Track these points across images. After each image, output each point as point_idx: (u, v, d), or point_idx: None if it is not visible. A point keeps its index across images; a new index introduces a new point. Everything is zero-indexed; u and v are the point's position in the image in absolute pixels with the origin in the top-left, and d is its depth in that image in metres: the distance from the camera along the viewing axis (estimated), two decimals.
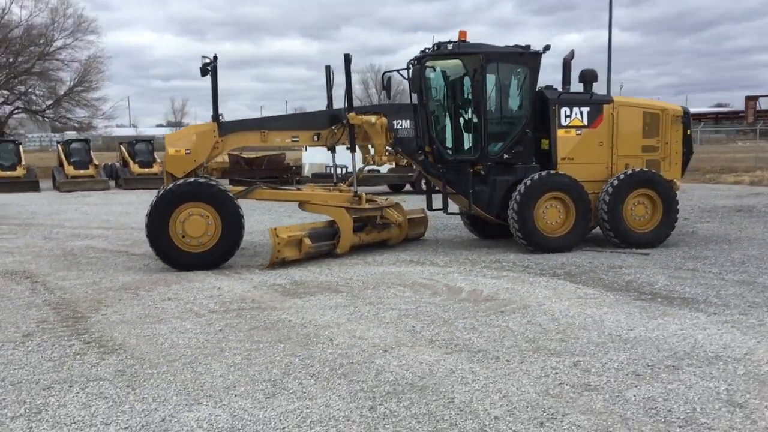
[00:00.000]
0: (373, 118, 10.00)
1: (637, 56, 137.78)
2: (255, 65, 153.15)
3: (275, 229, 9.20)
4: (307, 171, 27.97)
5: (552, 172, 10.00)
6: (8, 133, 40.50)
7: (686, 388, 4.46)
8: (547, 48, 10.21)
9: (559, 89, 10.43)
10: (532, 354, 5.23)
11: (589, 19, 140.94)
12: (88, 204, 20.73)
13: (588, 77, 10.65)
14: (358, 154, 10.46)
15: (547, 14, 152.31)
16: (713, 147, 39.58)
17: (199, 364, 5.13)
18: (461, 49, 9.98)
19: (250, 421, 4.11)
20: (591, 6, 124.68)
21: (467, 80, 10.21)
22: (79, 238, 12.48)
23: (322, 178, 22.99)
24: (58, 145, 32.13)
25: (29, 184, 27.56)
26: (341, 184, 11.46)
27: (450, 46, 10.01)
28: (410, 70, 10.12)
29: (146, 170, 29.17)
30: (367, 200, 10.36)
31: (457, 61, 10.18)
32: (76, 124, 44.00)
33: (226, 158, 28.91)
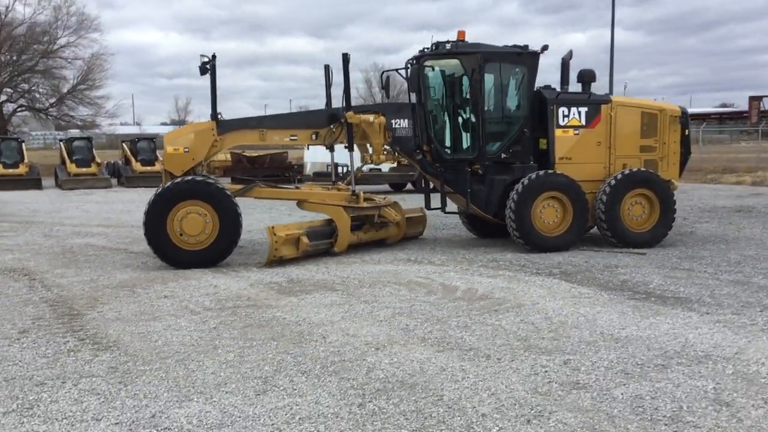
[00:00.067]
0: (371, 117, 10.03)
1: (641, 56, 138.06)
2: (259, 64, 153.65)
3: (273, 227, 9.24)
4: (308, 170, 27.96)
5: (549, 171, 10.02)
6: (11, 131, 40.60)
7: (674, 387, 4.48)
8: (545, 48, 10.23)
9: (558, 89, 10.45)
10: (523, 352, 5.25)
11: (594, 18, 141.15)
12: (90, 202, 20.80)
13: (586, 77, 10.66)
14: (357, 153, 10.50)
15: (552, 13, 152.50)
16: (716, 147, 39.46)
17: (192, 361, 5.16)
18: (459, 49, 10.00)
19: (239, 417, 4.14)
20: (595, 5, 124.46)
21: (465, 80, 10.21)
22: (79, 236, 12.53)
23: (324, 176, 23.00)
24: (61, 143, 32.19)
25: (31, 182, 27.61)
26: (340, 182, 11.49)
27: (448, 46, 10.04)
28: (409, 70, 10.16)
29: (148, 168, 29.15)
30: (365, 199, 10.40)
31: (456, 61, 10.19)
32: (79, 122, 44.17)
33: (229, 156, 28.96)
